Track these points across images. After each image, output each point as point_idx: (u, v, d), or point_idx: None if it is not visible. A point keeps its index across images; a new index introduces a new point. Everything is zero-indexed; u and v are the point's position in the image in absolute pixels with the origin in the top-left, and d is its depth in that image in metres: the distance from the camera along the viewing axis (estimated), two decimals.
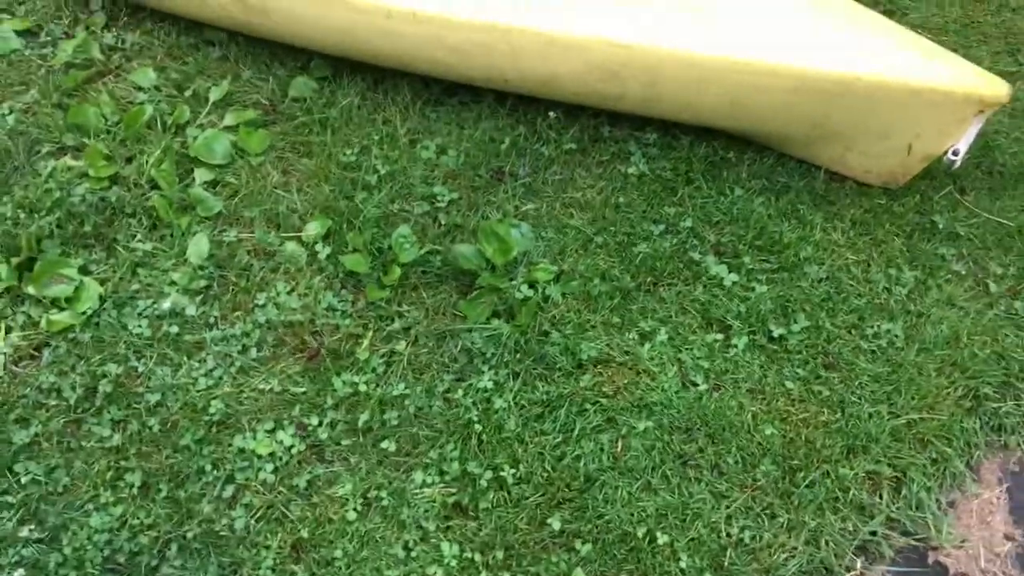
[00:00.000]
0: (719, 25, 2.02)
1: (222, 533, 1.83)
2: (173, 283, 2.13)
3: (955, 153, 1.98)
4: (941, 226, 2.21)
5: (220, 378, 2.01)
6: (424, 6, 2.14)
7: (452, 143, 2.36)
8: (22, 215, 2.20)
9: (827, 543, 1.83)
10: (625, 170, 2.31)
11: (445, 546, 1.82)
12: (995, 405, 2.00)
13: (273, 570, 1.80)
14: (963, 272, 2.16)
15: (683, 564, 1.79)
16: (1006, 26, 2.56)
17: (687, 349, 2.05)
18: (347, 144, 2.35)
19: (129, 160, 2.32)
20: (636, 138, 2.36)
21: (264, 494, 1.87)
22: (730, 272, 2.15)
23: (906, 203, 2.24)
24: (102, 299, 2.11)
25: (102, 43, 2.50)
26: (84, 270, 2.15)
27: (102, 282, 2.13)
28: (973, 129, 1.99)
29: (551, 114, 2.37)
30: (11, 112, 2.37)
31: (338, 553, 1.81)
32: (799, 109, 2.06)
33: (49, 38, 2.51)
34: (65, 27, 2.53)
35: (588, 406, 1.97)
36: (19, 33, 2.50)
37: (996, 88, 1.93)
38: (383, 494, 1.87)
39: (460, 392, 1.98)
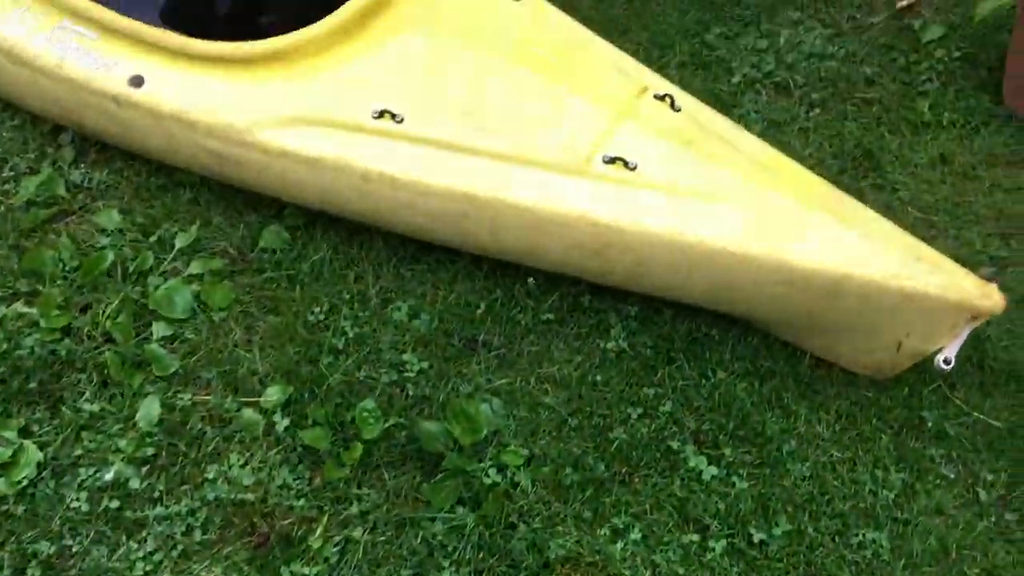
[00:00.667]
0: (708, 211, 1.96)
1: None
2: (119, 450, 2.00)
3: (946, 362, 1.90)
4: (930, 424, 2.12)
5: (160, 563, 1.87)
6: (401, 171, 2.07)
7: (426, 306, 2.26)
8: None
9: None
10: (604, 344, 2.21)
11: None
12: None
13: None
14: (952, 476, 2.06)
15: None
16: (998, 207, 2.51)
17: (662, 551, 1.92)
18: (316, 301, 2.25)
19: (84, 310, 2.21)
20: (617, 310, 2.27)
21: None
22: (709, 464, 2.04)
23: (894, 396, 2.16)
24: (40, 466, 1.97)
25: (68, 180, 2.41)
26: (25, 431, 2.02)
27: (42, 446, 1.99)
28: (964, 335, 1.91)
29: (530, 280, 2.28)
30: None
31: None
32: (788, 301, 1.98)
33: (12, 173, 2.41)
34: (31, 161, 2.44)
35: None
36: None
37: (990, 298, 1.86)
38: None
39: None
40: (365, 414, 2.05)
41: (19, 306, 2.20)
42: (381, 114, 2.09)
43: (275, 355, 2.16)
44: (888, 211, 2.36)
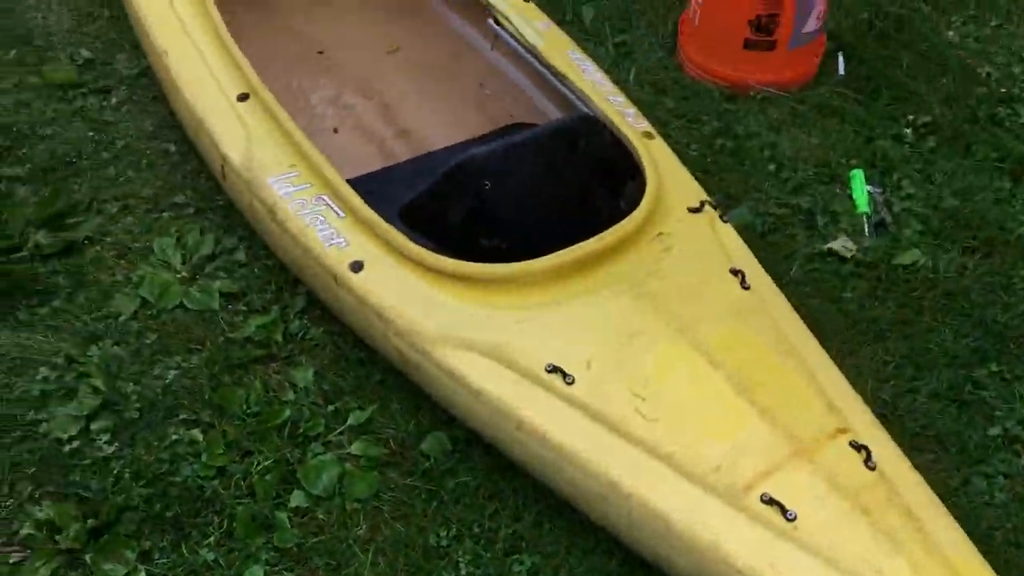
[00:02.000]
0: None
1: None
2: None
3: None
4: None
5: None
6: (555, 433, 1.99)
7: (549, 569, 2.13)
8: (127, 474, 2.26)
9: None
10: None
11: None
12: None
13: None
14: None
15: None
16: None
17: None
18: (446, 524, 2.20)
19: (244, 456, 2.32)
20: None
21: None
22: None
23: None
24: None
25: (288, 328, 2.58)
26: (146, 556, 2.13)
27: None
28: None
29: None
30: (176, 368, 2.48)
31: None
32: None
33: (245, 308, 2.63)
34: (265, 301, 2.65)
35: None
36: (223, 294, 2.65)
37: None
38: None
39: None
40: None
41: (195, 433, 2.35)
42: (554, 369, 2.03)
43: (385, 567, 2.12)
44: None
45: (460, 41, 3.35)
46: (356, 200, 2.35)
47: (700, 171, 2.99)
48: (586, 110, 2.67)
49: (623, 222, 2.25)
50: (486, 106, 3.19)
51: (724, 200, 2.90)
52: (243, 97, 2.65)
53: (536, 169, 2.32)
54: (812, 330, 2.22)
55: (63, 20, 3.47)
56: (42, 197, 2.84)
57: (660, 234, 2.32)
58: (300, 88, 3.27)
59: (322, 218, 2.39)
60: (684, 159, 3.00)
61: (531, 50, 2.85)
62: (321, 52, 3.39)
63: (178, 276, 2.68)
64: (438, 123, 3.16)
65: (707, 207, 2.42)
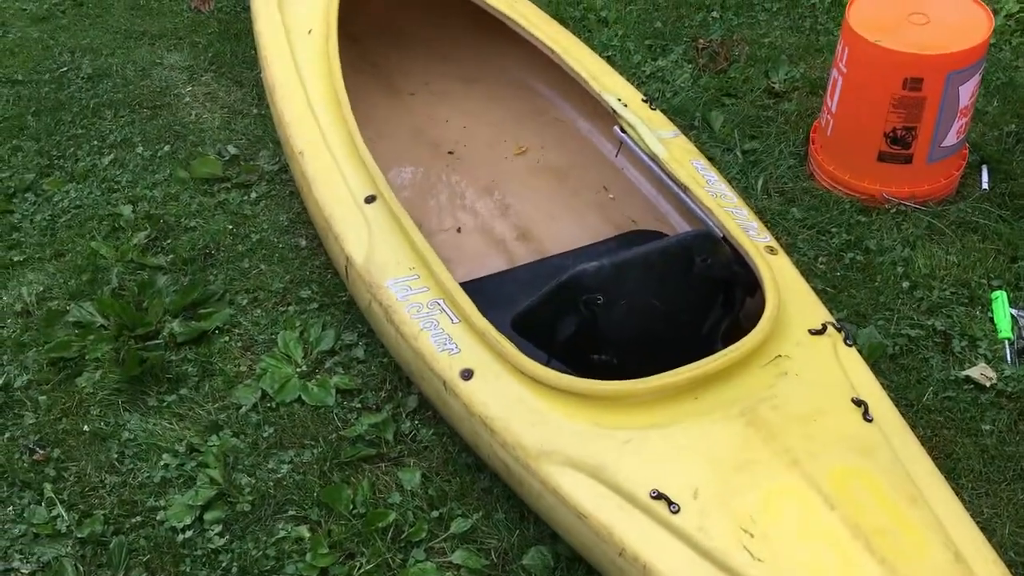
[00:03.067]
0: None
1: None
2: None
3: None
4: None
5: None
6: (657, 564, 1.91)
7: None
8: (234, 569, 2.30)
9: None
10: None
11: None
12: None
13: None
14: None
15: None
16: None
17: None
18: None
19: (348, 557, 2.33)
20: None
21: None
22: None
23: None
24: None
25: (399, 428, 2.60)
26: None
27: None
28: None
29: None
30: (289, 462, 2.53)
31: None
32: None
33: (359, 405, 2.67)
34: (379, 399, 2.68)
35: None
36: (339, 390, 2.70)
37: None
38: None
39: None
40: None
41: (302, 530, 2.38)
42: (659, 496, 1.96)
43: None
44: None
45: (586, 145, 3.39)
46: (470, 307, 2.37)
47: (828, 286, 2.89)
48: (707, 221, 2.63)
49: (739, 344, 2.19)
50: (608, 210, 3.20)
51: (851, 319, 2.79)
52: (370, 199, 2.73)
53: (650, 285, 2.29)
54: (943, 465, 2.09)
55: (215, 117, 3.70)
56: (181, 287, 2.99)
57: (778, 357, 2.23)
58: (429, 187, 3.36)
59: (436, 322, 2.42)
60: (811, 273, 2.93)
61: (655, 159, 2.85)
62: (451, 152, 3.49)
63: (298, 370, 2.75)
64: (560, 226, 3.18)
65: (830, 329, 2.33)
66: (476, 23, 3.52)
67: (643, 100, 3.10)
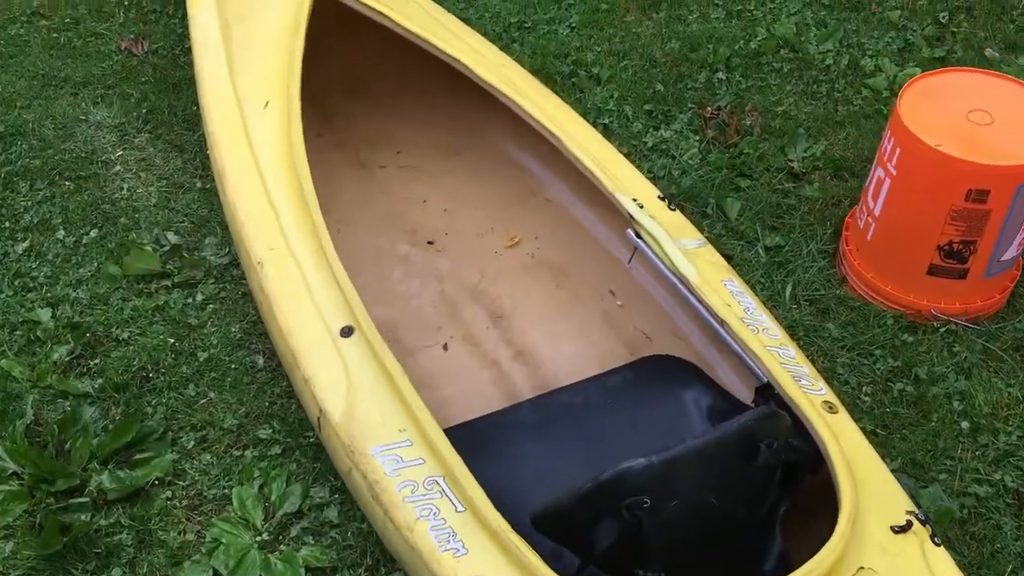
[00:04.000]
0: None
1: None
2: None
3: None
4: None
5: None
6: None
7: None
8: None
9: None
10: None
11: None
12: None
13: None
14: None
15: None
16: None
17: None
18: None
19: None
20: None
21: None
22: None
23: None
24: None
25: None
26: None
27: None
28: None
29: None
30: None
31: None
32: None
33: None
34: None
35: None
36: (309, 568, 2.21)
37: None
38: None
39: None
40: None
41: None
42: None
43: None
44: None
45: (587, 237, 2.94)
46: (480, 496, 1.91)
47: (878, 427, 2.50)
48: (755, 369, 2.22)
49: (815, 562, 1.78)
50: (616, 320, 2.76)
51: (908, 470, 2.40)
52: (347, 332, 2.25)
53: (706, 481, 1.86)
54: None
55: (151, 192, 3.15)
56: (112, 422, 2.48)
57: (860, 570, 1.84)
58: (408, 288, 2.88)
59: (436, 510, 1.95)
60: (856, 408, 2.55)
61: (684, 281, 2.42)
62: (431, 243, 3.02)
63: (258, 539, 2.26)
64: (562, 342, 2.72)
65: (915, 523, 1.94)
66: (455, 83, 3.04)
67: (660, 198, 2.67)
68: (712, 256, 2.55)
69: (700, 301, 2.38)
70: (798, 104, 3.49)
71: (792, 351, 2.31)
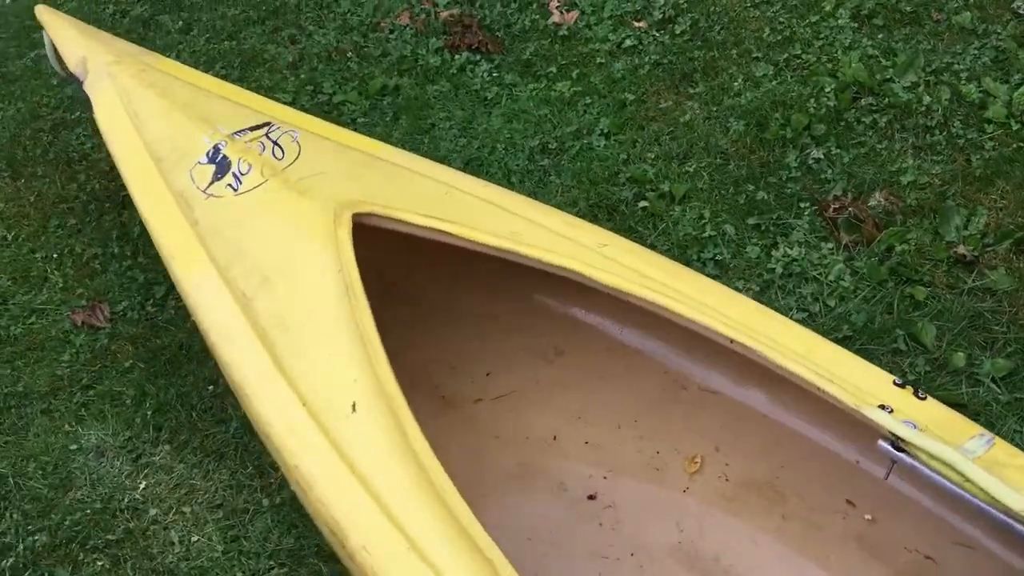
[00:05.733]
0: None
1: None
2: None
3: None
4: None
5: None
6: None
7: None
8: None
9: None
10: None
11: None
12: None
13: None
14: None
15: None
16: None
17: None
18: None
19: None
20: None
21: None
22: None
23: None
24: None
25: None
26: None
27: None
28: None
29: None
30: None
31: None
32: None
33: None
34: None
35: None
36: None
37: None
38: None
39: None
40: None
41: None
42: None
43: None
44: None
45: (784, 433, 2.28)
46: None
47: None
48: None
49: None
50: (876, 542, 2.11)
51: None
52: None
53: None
54: None
55: (210, 534, 2.34)
56: None
57: None
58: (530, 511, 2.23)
59: None
60: None
61: (1008, 513, 1.80)
62: (592, 497, 2.33)
63: None
64: None
65: None
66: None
67: (896, 384, 2.04)
68: (1008, 451, 1.93)
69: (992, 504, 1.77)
70: (922, 167, 2.89)
71: None
